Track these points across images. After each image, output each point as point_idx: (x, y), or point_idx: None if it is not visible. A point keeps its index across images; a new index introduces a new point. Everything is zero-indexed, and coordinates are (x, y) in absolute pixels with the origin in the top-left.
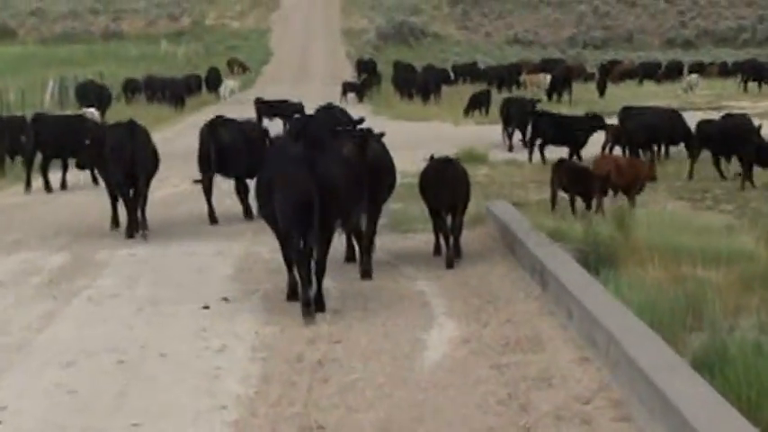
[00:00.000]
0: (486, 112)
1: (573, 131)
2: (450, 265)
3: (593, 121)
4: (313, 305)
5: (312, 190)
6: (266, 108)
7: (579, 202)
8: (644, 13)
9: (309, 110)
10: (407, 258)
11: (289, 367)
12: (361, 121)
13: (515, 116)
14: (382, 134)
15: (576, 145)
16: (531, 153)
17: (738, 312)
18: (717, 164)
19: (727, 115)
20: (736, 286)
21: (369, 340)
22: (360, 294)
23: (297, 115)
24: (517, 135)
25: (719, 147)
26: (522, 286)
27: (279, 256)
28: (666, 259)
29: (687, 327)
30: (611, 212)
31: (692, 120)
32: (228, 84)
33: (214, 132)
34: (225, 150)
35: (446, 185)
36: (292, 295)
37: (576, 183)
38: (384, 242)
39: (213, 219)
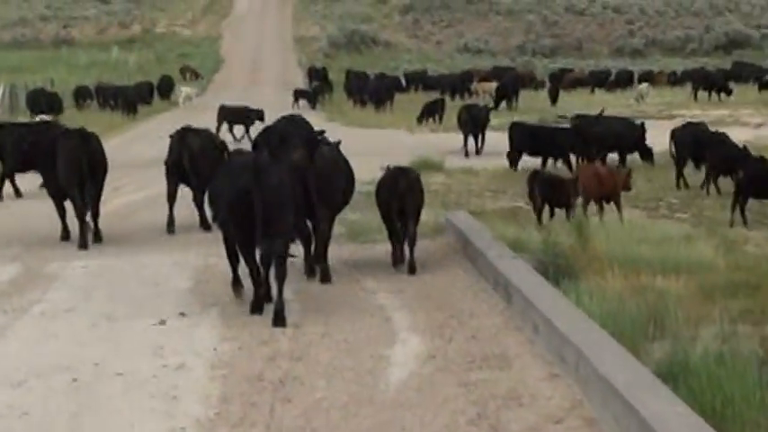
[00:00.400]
0: (440, 120)
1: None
2: (412, 270)
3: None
4: (284, 311)
5: (258, 198)
6: (229, 114)
7: (552, 212)
8: (592, 22)
9: (271, 118)
10: (368, 270)
11: (249, 386)
12: (322, 132)
13: (470, 123)
14: (339, 142)
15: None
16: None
17: (699, 322)
18: (681, 172)
19: (689, 123)
20: (696, 296)
21: (331, 357)
22: (320, 309)
23: (258, 122)
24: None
25: (694, 154)
26: (485, 299)
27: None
28: (626, 269)
29: (649, 337)
30: (570, 223)
31: (654, 128)
32: (185, 90)
33: (184, 141)
34: (194, 159)
35: (399, 194)
36: (235, 284)
37: (551, 192)
38: (342, 253)
39: (171, 228)
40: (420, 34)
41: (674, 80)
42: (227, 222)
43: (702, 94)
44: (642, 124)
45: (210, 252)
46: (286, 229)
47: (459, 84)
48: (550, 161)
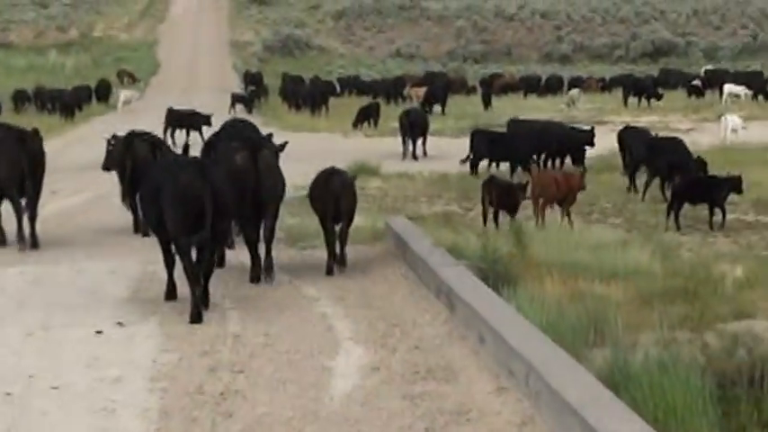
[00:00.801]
0: (375, 124)
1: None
2: (329, 271)
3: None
4: (200, 306)
5: (204, 196)
6: (176, 118)
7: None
8: (521, 27)
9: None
10: (308, 278)
11: (190, 400)
12: (271, 136)
13: (411, 127)
14: (285, 143)
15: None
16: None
17: (639, 329)
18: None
19: (627, 127)
20: (635, 302)
21: (273, 369)
22: (261, 318)
23: (205, 126)
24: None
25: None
26: (427, 308)
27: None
28: (564, 275)
29: (589, 344)
30: (509, 228)
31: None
32: (124, 93)
33: (130, 146)
34: (138, 165)
35: (332, 195)
36: (169, 295)
37: (505, 198)
38: (282, 260)
39: (138, 228)
40: (353, 39)
41: (604, 86)
42: (163, 223)
43: (632, 99)
44: (591, 129)
45: (149, 259)
46: (224, 231)
47: (392, 89)
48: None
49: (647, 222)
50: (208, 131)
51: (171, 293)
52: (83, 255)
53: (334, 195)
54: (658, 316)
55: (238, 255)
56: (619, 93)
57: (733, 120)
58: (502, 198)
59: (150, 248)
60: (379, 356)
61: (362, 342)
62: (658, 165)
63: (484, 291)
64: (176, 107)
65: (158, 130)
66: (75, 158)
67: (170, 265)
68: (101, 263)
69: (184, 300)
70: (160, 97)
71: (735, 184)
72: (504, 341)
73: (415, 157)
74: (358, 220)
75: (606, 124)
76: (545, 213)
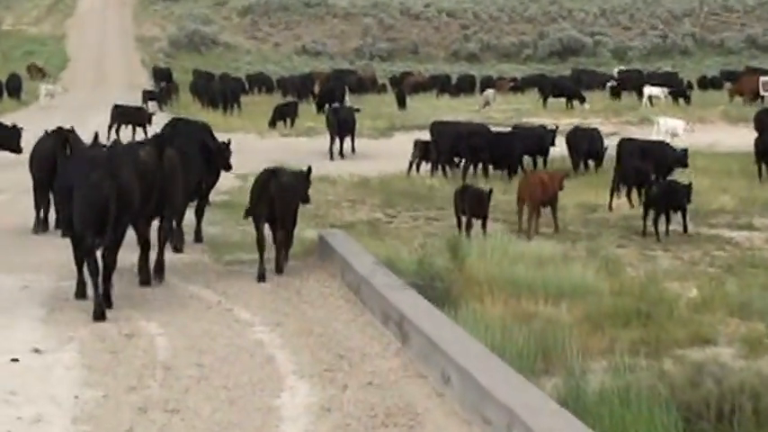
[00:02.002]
0: (292, 123)
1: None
2: (278, 270)
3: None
4: (103, 305)
5: (108, 192)
6: (121, 115)
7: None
8: (428, 25)
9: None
10: (239, 297)
11: None
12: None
13: (338, 125)
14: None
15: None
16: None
17: (590, 354)
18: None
19: (576, 128)
20: (584, 325)
21: (212, 409)
22: (192, 346)
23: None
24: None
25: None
26: (374, 336)
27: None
28: (506, 293)
29: (537, 371)
30: (445, 241)
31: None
32: (48, 87)
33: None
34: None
35: (266, 196)
36: (80, 295)
37: (478, 206)
38: (208, 276)
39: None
40: (259, 36)
41: (515, 86)
42: (70, 219)
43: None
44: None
45: (62, 273)
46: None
47: (301, 86)
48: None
49: (577, 232)
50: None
51: (80, 292)
52: None
53: (269, 196)
54: (610, 340)
55: (168, 277)
56: (531, 93)
57: (673, 122)
58: (474, 207)
59: (64, 259)
60: (328, 394)
61: (308, 376)
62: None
63: (441, 319)
64: (122, 103)
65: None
66: None
67: (80, 263)
68: (11, 277)
69: (102, 323)
70: (72, 93)
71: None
72: (475, 382)
73: (341, 155)
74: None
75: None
76: (534, 218)
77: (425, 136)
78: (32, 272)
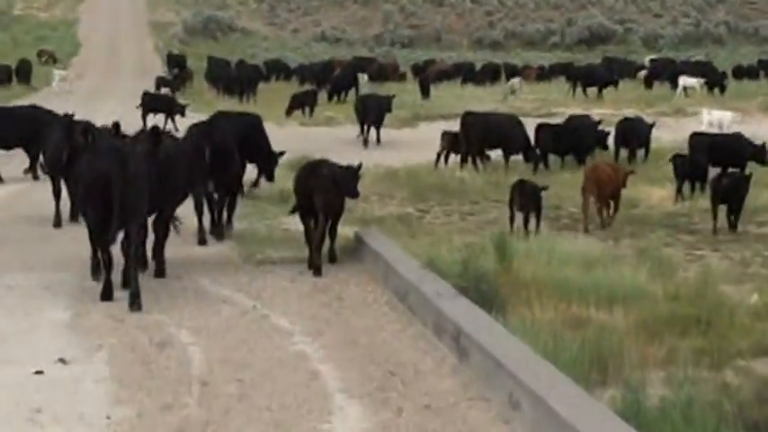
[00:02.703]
0: (311, 112)
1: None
2: (316, 271)
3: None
4: (112, 285)
5: (116, 182)
6: (151, 102)
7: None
8: (451, 12)
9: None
10: (275, 303)
11: None
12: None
13: (371, 113)
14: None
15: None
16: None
17: (646, 364)
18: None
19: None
20: (640, 333)
21: None
22: (229, 359)
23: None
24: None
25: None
26: (427, 350)
27: (121, 294)
28: (555, 298)
29: (592, 382)
30: (489, 240)
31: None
32: (61, 73)
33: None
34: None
35: (305, 189)
36: (106, 297)
37: (534, 202)
38: (240, 280)
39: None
40: (277, 22)
41: (541, 74)
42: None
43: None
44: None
45: (86, 273)
46: (140, 216)
47: (321, 74)
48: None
49: (621, 230)
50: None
51: (107, 293)
52: (9, 264)
53: (308, 189)
54: (668, 350)
55: (191, 273)
56: (559, 82)
57: (719, 114)
58: (530, 202)
59: (85, 255)
60: (382, 419)
61: (357, 396)
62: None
63: (503, 334)
64: (151, 91)
65: (92, 115)
66: None
67: (106, 261)
68: (31, 275)
69: (131, 329)
70: (82, 79)
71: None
72: (551, 411)
73: (365, 143)
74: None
75: (554, 116)
76: (603, 211)
77: (451, 126)
78: (53, 270)
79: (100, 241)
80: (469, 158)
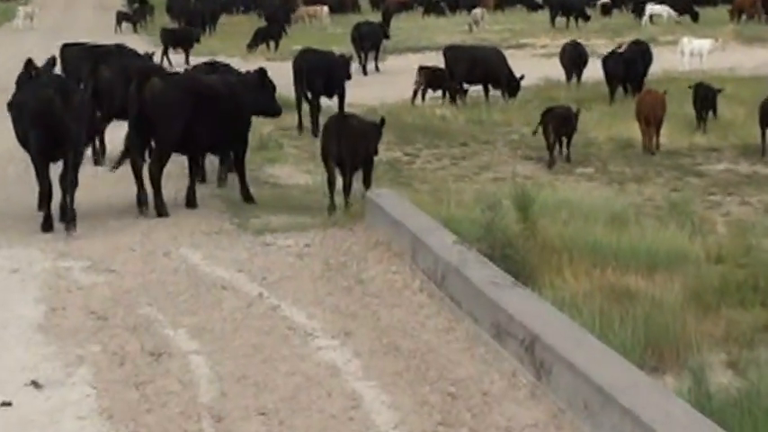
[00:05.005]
0: (276, 46)
1: None
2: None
3: None
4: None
5: (61, 115)
6: (169, 37)
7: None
8: None
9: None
10: (284, 287)
11: None
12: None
13: (367, 40)
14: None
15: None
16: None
17: (701, 343)
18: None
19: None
20: (691, 305)
21: None
22: (243, 376)
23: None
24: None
25: None
26: (488, 360)
27: (102, 278)
28: (587, 263)
29: (647, 366)
30: (511, 197)
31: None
32: (26, 9)
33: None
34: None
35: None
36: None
37: (565, 126)
38: (239, 256)
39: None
40: None
41: (499, 3)
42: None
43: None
44: None
45: (64, 249)
46: (80, 145)
47: (281, 8)
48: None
49: (622, 173)
50: None
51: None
52: None
53: (338, 139)
54: (726, 325)
55: (179, 247)
56: (515, 10)
57: (698, 43)
58: (561, 127)
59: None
60: None
61: None
62: None
63: (592, 343)
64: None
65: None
66: None
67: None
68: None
69: (117, 330)
70: (42, 14)
71: None
72: None
73: (365, 72)
74: (307, 178)
75: (524, 48)
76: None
77: (421, 60)
78: (20, 244)
79: (40, 171)
80: (449, 95)
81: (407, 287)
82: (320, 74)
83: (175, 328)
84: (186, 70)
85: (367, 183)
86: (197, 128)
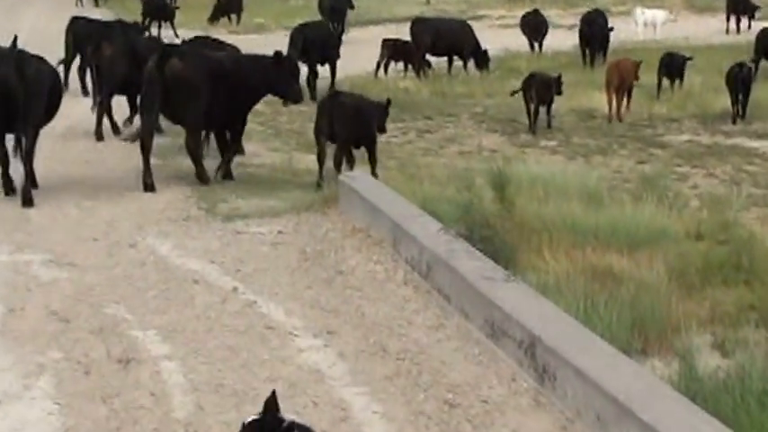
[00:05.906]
0: (238, 20)
1: None
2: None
3: None
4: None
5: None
6: (152, 10)
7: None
8: None
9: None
10: (260, 280)
11: None
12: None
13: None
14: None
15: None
16: None
17: (688, 325)
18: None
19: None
20: (673, 285)
21: None
22: (220, 385)
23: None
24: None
25: None
26: (485, 361)
27: (64, 273)
28: (566, 242)
29: (633, 350)
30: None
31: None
32: None
33: None
34: None
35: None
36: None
37: (546, 93)
38: (210, 246)
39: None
40: None
41: None
42: None
43: None
44: None
45: (22, 240)
46: (37, 120)
47: None
48: None
49: (587, 145)
50: None
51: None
52: None
53: (325, 116)
54: (710, 305)
55: (146, 237)
56: None
57: (651, 13)
58: (543, 93)
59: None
60: None
61: None
62: None
63: (599, 346)
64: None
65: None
66: None
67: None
68: None
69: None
70: None
71: None
72: None
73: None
74: (273, 157)
75: (482, 19)
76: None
77: (383, 32)
78: None
79: None
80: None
81: (390, 279)
82: (317, 45)
83: (144, 330)
84: (191, 46)
85: (372, 162)
86: (214, 106)
